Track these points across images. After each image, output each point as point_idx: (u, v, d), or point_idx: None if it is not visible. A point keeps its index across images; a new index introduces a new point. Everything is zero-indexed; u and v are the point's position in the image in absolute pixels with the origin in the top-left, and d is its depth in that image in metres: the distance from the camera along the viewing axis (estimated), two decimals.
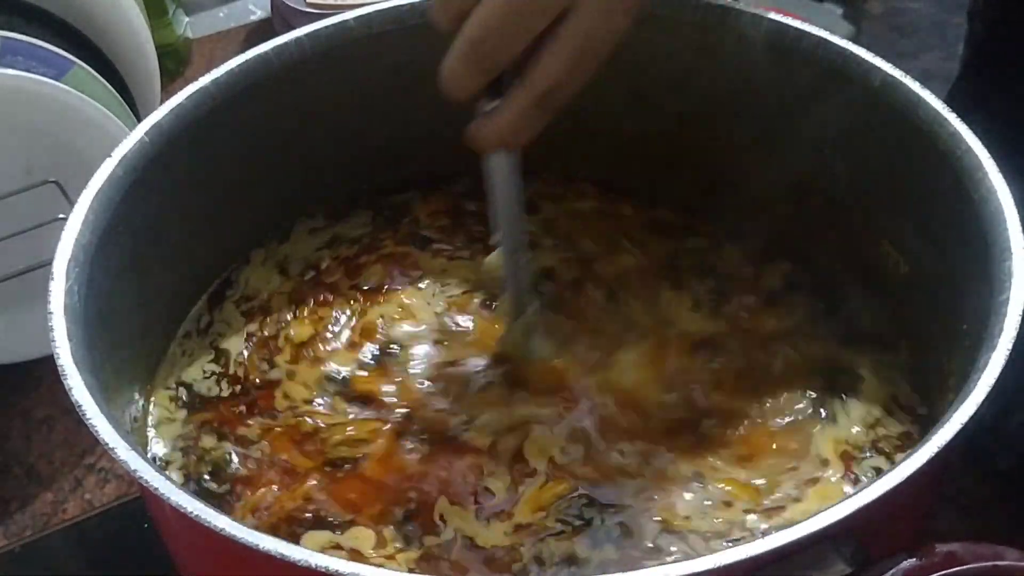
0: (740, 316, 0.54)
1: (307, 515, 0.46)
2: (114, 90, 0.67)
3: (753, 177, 0.57)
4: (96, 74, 0.65)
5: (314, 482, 0.47)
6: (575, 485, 0.46)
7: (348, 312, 0.55)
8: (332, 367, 0.52)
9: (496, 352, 0.52)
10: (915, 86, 0.48)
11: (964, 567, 0.32)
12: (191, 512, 0.34)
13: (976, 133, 0.46)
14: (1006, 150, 0.45)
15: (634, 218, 0.59)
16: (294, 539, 0.45)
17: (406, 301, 0.55)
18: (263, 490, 0.47)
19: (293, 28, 0.53)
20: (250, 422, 0.50)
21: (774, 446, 0.48)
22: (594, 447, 0.48)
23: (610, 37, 0.42)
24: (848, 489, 0.46)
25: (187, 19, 0.95)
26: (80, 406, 0.37)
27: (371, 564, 0.38)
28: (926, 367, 0.49)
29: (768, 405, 0.50)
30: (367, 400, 0.51)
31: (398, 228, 0.59)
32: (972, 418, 0.36)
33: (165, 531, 0.43)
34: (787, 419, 0.49)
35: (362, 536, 0.45)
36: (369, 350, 0.53)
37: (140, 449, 0.37)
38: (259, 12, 0.99)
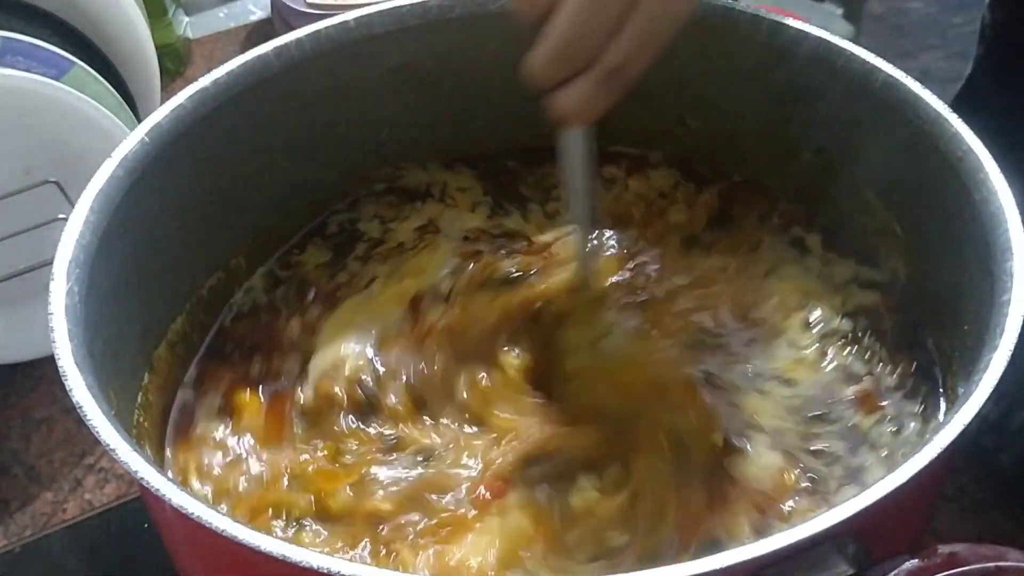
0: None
1: None
2: (114, 90, 0.67)
3: (753, 177, 0.57)
4: (96, 74, 0.65)
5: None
6: None
7: None
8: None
9: None
10: (915, 86, 0.48)
11: (966, 568, 0.32)
12: (192, 513, 0.34)
13: (977, 134, 0.46)
14: (1007, 150, 0.45)
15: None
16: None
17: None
18: None
19: (293, 28, 0.53)
20: None
21: None
22: None
23: (673, 19, 0.44)
24: None
25: (187, 19, 0.95)
26: (80, 406, 0.37)
27: None
28: (927, 368, 0.49)
29: None
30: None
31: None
32: (974, 419, 0.36)
33: (165, 531, 0.43)
34: None
35: None
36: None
37: (141, 449, 0.37)
38: (259, 12, 0.99)
